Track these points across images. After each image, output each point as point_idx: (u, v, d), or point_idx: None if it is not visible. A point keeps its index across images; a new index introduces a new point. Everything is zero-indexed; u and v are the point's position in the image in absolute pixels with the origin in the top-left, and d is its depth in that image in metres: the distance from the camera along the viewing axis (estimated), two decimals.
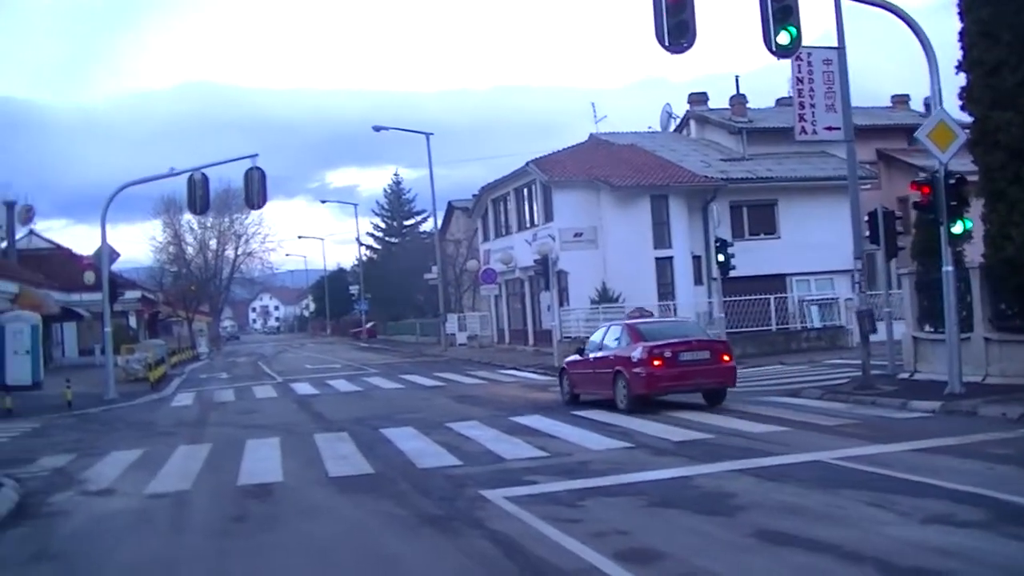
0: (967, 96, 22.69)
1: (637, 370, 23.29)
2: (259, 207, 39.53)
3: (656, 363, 23.05)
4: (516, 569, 9.80)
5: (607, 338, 26.06)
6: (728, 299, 38.75)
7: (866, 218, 26.80)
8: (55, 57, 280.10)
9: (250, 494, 15.02)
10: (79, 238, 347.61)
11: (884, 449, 15.57)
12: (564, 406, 25.58)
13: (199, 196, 36.52)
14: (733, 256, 36.67)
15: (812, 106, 24.94)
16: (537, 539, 10.86)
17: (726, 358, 24.04)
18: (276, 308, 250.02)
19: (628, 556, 9.88)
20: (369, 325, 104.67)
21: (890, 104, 63.45)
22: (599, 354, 25.68)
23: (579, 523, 11.58)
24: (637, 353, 23.56)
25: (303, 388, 37.92)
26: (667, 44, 18.79)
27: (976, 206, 22.57)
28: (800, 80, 24.93)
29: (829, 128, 25.33)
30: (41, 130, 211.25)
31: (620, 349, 24.65)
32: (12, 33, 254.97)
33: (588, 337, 29.95)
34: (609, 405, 23.96)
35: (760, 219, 49.10)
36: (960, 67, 22.85)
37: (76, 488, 16.73)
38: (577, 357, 27.48)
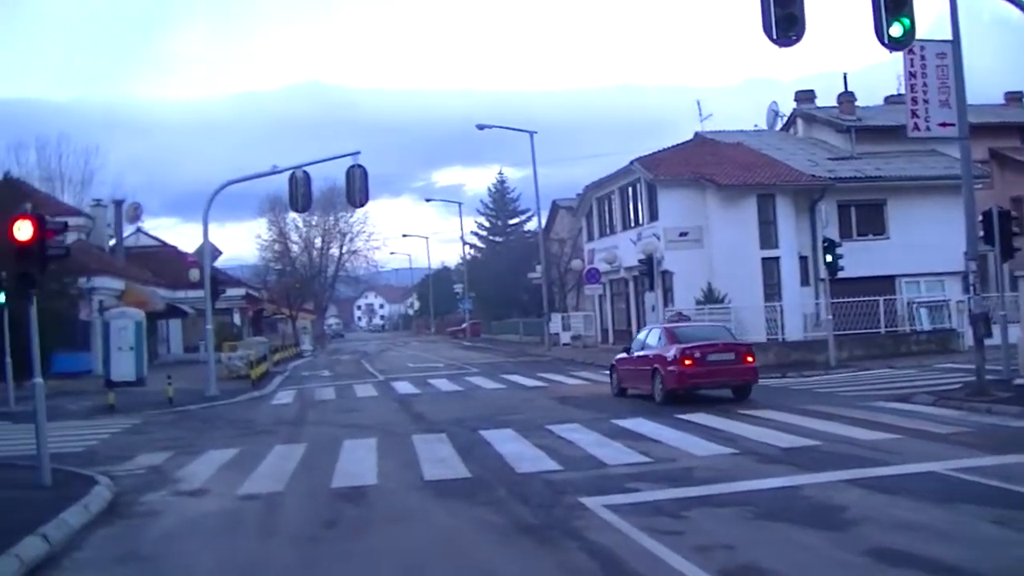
0: None
1: (671, 368, 26.32)
2: (361, 205, 39.58)
3: (687, 362, 26.10)
4: None
5: (649, 339, 29.31)
6: (835, 301, 37.91)
7: (980, 218, 25.98)
8: (168, 57, 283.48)
9: (343, 497, 14.73)
10: (188, 236, 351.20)
11: (1003, 460, 14.84)
12: (660, 406, 25.19)
13: (301, 194, 36.50)
14: (841, 257, 35.92)
15: (925, 102, 24.20)
16: (637, 553, 10.39)
17: (749, 359, 26.96)
18: (381, 306, 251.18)
19: (733, 573, 9.44)
20: (469, 324, 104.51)
21: (1003, 102, 62.11)
22: (641, 353, 28.88)
23: (682, 535, 11.10)
24: (671, 353, 26.57)
25: (404, 387, 37.70)
26: (775, 37, 18.22)
27: None
28: (913, 75, 24.19)
29: (943, 124, 24.56)
30: (153, 130, 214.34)
31: (658, 349, 27.72)
32: (129, 34, 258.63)
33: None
34: (710, 406, 23.73)
35: (868, 219, 48.07)
36: None
37: (169, 487, 16.64)
38: (624, 355, 30.43)
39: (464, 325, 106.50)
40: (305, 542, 11.99)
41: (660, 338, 28.25)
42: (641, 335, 30.76)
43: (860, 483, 13.56)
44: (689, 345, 26.54)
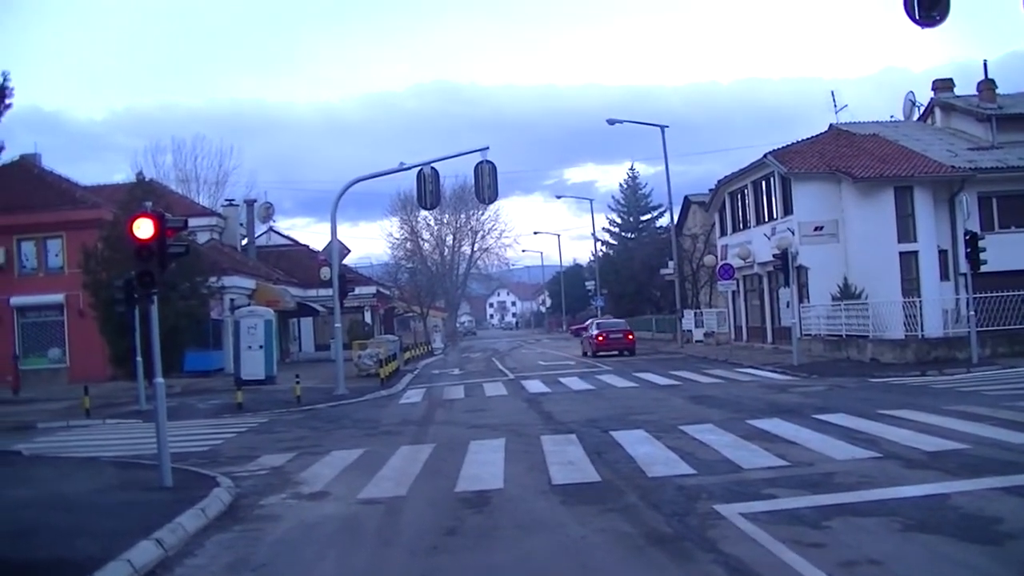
0: None
1: (594, 339, 59.19)
2: (490, 201, 39.41)
3: (600, 338, 58.59)
4: None
5: (591, 327, 63.40)
6: (978, 295, 36.81)
7: None
8: (298, 59, 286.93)
9: (467, 503, 14.28)
10: (319, 235, 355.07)
11: None
12: (807, 411, 24.16)
13: (429, 191, 36.36)
14: (984, 250, 34.88)
15: None
16: (776, 567, 9.80)
17: (630, 337, 59.46)
18: (513, 303, 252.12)
19: None
20: (622, 320, 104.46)
21: None
22: (587, 334, 62.92)
23: (824, 548, 10.45)
24: (594, 333, 59.87)
25: (534, 386, 37.35)
26: (917, 17, 17.39)
27: None
28: None
29: None
30: (285, 131, 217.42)
31: (592, 332, 61.05)
32: (260, 37, 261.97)
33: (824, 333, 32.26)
34: (853, 411, 22.59)
35: (1012, 211, 46.71)
36: None
37: (290, 490, 16.44)
38: (585, 333, 64.99)
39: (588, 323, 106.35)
40: (425, 551, 11.56)
41: (593, 326, 63.47)
42: (591, 326, 65.14)
43: (1016, 491, 12.74)
44: (602, 330, 60.57)
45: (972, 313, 35.85)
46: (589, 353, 59.27)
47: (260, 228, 78.20)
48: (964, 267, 37.09)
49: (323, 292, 57.46)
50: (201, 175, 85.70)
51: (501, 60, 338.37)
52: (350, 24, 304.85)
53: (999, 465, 14.66)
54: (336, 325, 38.92)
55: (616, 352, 57.69)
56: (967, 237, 35.48)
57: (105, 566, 10.74)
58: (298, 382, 33.60)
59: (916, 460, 15.67)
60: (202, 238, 58.59)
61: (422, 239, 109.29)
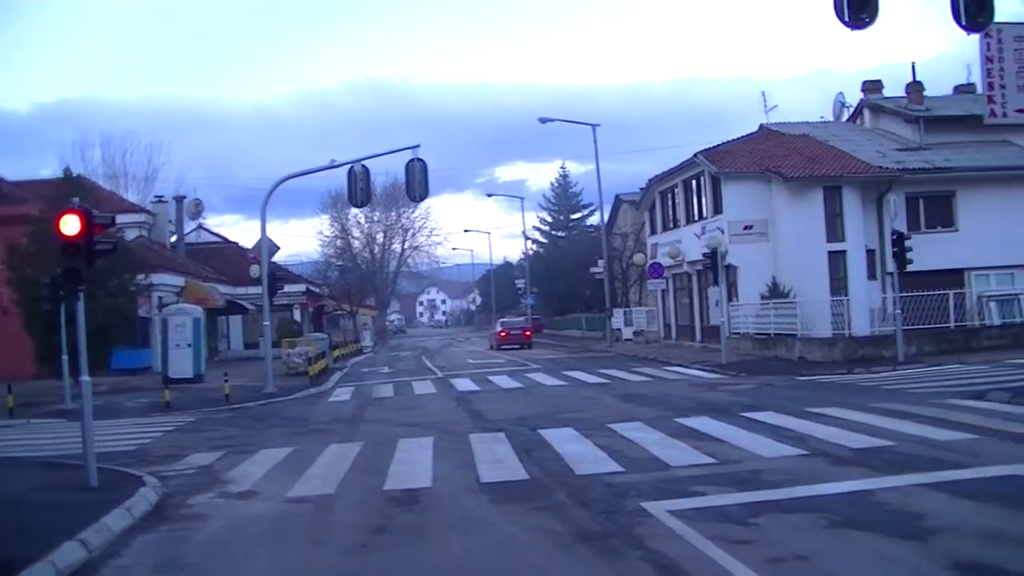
0: None
1: (499, 335, 72.70)
2: (420, 199, 39.40)
3: (503, 334, 72.33)
4: None
5: (497, 325, 77.79)
6: (904, 295, 37.10)
7: None
8: (230, 56, 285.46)
9: (396, 501, 14.22)
10: (250, 233, 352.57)
11: None
12: (735, 409, 24.23)
13: (360, 189, 36.27)
14: (910, 250, 35.17)
15: (1002, 87, 23.59)
16: (704, 564, 9.81)
17: (528, 333, 73.57)
18: (443, 302, 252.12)
19: None
20: (523, 319, 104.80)
21: None
22: (494, 331, 76.82)
23: (752, 545, 10.48)
24: (499, 329, 74.24)
25: (463, 384, 37.28)
26: (847, 19, 17.52)
27: None
28: (990, 59, 23.58)
29: (1021, 110, 23.85)
30: (217, 128, 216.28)
31: (497, 328, 75.65)
32: (194, 35, 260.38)
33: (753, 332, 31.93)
34: (781, 409, 22.82)
35: (937, 211, 47.14)
36: None
37: (218, 489, 16.30)
38: (494, 329, 77.22)
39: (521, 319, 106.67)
40: (354, 550, 11.48)
41: (498, 325, 76.82)
42: (497, 324, 78.31)
43: (939, 487, 12.85)
44: (505, 327, 73.87)
45: (898, 312, 36.12)
46: (494, 347, 72.41)
47: (190, 225, 77.71)
48: (891, 266, 37.40)
49: (253, 290, 56.91)
50: (130, 171, 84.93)
51: (434, 58, 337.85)
52: (284, 21, 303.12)
53: (924, 462, 14.78)
54: (265, 323, 38.80)
55: (517, 346, 70.20)
56: (894, 237, 35.75)
57: (28, 568, 10.58)
58: (227, 380, 33.31)
59: (843, 457, 15.76)
60: (130, 235, 57.99)
61: (352, 237, 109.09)
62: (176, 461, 19.74)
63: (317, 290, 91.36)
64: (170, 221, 71.64)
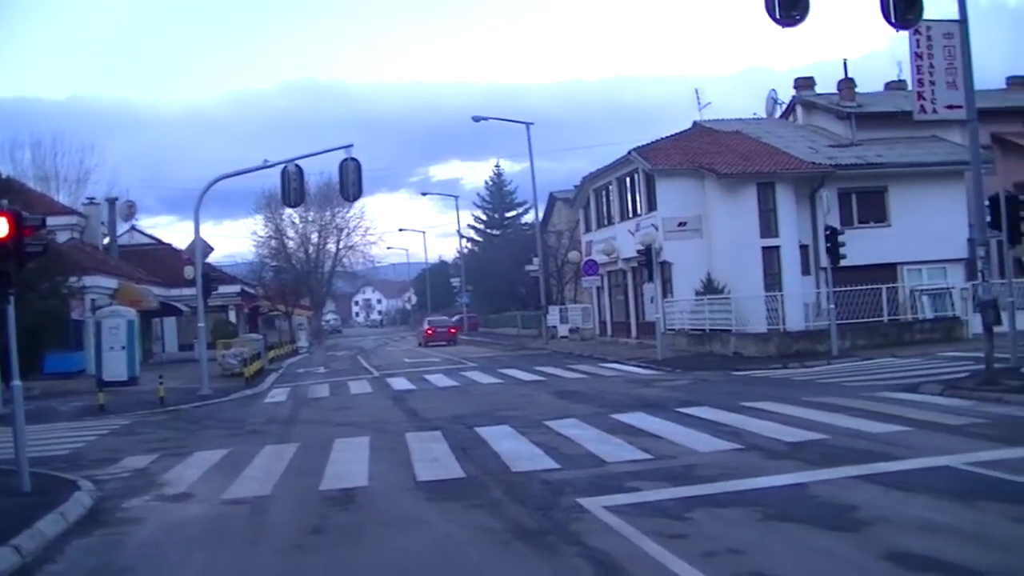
0: None
1: (425, 332, 78.72)
2: (355, 199, 39.18)
3: (429, 331, 77.76)
4: None
5: (424, 324, 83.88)
6: (837, 289, 37.35)
7: (986, 203, 25.40)
8: (164, 56, 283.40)
9: (332, 501, 14.17)
10: (184, 234, 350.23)
11: (1020, 453, 14.25)
12: (671, 405, 24.30)
13: (293, 189, 36.06)
14: (843, 245, 35.42)
15: (932, 83, 23.65)
16: (640, 559, 9.82)
17: (452, 331, 79.60)
18: (379, 301, 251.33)
19: None
20: (456, 318, 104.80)
21: (1005, 86, 61.70)
22: (422, 328, 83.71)
23: (687, 539, 10.52)
24: (425, 327, 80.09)
25: (399, 383, 37.16)
26: (778, 17, 17.64)
27: None
28: (919, 56, 23.63)
29: (950, 107, 24.00)
30: (150, 129, 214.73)
31: (425, 326, 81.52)
32: (127, 36, 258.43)
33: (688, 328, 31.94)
34: (716, 405, 22.94)
35: (870, 206, 47.52)
36: None
37: (154, 492, 16.12)
38: (422, 328, 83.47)
39: (455, 319, 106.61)
40: (290, 551, 11.43)
41: (425, 323, 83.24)
42: (425, 323, 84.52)
43: (872, 479, 12.98)
44: (431, 325, 79.66)
45: (832, 306, 36.38)
46: (422, 343, 78.38)
47: (122, 227, 77.01)
48: (825, 262, 37.67)
49: (187, 291, 56.30)
50: (61, 173, 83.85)
51: (370, 58, 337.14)
52: (217, 22, 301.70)
53: (856, 454, 14.91)
54: (200, 324, 38.54)
55: (444, 343, 75.80)
56: (827, 232, 36.00)
57: None
58: (161, 383, 33.05)
59: (777, 451, 15.87)
60: (62, 237, 57.35)
61: (287, 237, 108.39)
62: (111, 465, 19.53)
63: (252, 291, 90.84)
64: (102, 223, 70.96)
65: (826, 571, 9.08)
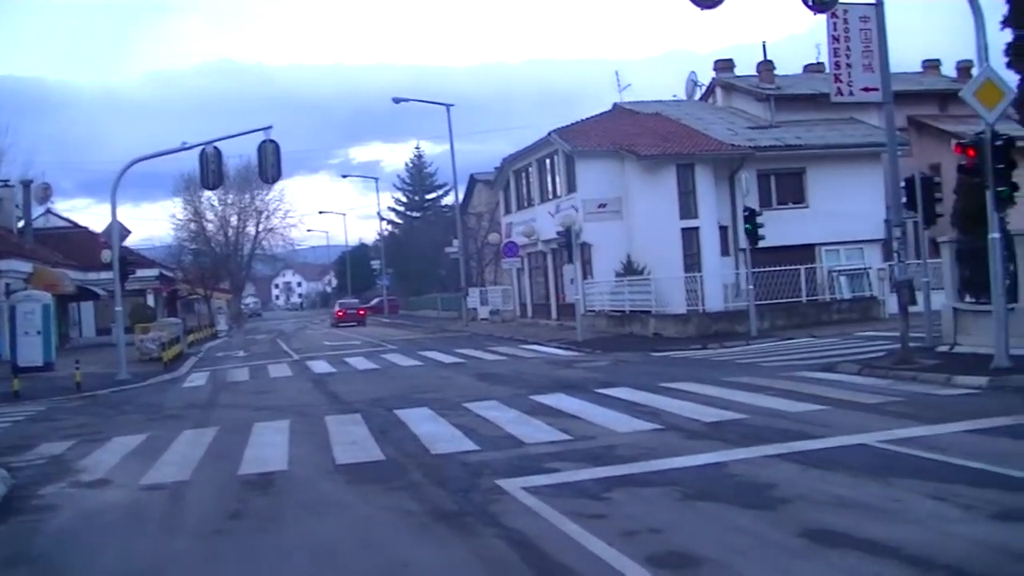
0: (1015, 52, 21.50)
1: (336, 313, 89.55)
2: (273, 181, 38.98)
3: (340, 313, 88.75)
4: None
5: (336, 305, 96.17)
6: (756, 270, 37.60)
7: (902, 184, 25.66)
8: (82, 38, 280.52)
9: (251, 485, 14.05)
10: (102, 217, 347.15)
11: (934, 430, 14.44)
12: (591, 386, 24.35)
13: (211, 171, 35.72)
14: (761, 226, 35.62)
15: (849, 66, 23.81)
16: (559, 540, 9.79)
17: (361, 312, 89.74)
18: (299, 284, 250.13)
19: (662, 561, 8.83)
20: (376, 301, 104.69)
21: (921, 69, 62.37)
22: (334, 310, 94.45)
23: (606, 519, 10.51)
24: (337, 309, 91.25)
25: (319, 366, 37.02)
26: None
27: None
28: (836, 39, 23.78)
29: (866, 89, 24.19)
30: (65, 110, 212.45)
31: (336, 309, 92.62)
32: (42, 16, 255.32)
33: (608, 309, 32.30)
34: (636, 385, 22.98)
35: (788, 188, 47.92)
36: (1007, 22, 21.66)
37: (70, 478, 15.82)
38: (334, 309, 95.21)
39: (374, 302, 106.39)
40: (209, 535, 11.31)
41: (336, 305, 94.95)
42: (336, 305, 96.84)
43: (790, 458, 13.08)
44: (342, 307, 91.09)
45: (751, 287, 36.63)
46: (334, 324, 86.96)
47: (38, 210, 75.99)
48: (743, 243, 37.89)
49: (104, 275, 55.62)
50: None
51: (289, 39, 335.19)
52: (134, 1, 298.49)
53: (774, 433, 15.01)
54: (117, 308, 38.16)
55: (354, 323, 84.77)
56: (746, 213, 36.12)
57: None
58: (78, 368, 32.57)
59: (696, 431, 15.93)
60: None
61: (206, 220, 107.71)
62: (26, 451, 19.19)
63: (171, 274, 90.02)
64: (17, 206, 70.03)
65: (744, 548, 9.07)
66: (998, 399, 17.43)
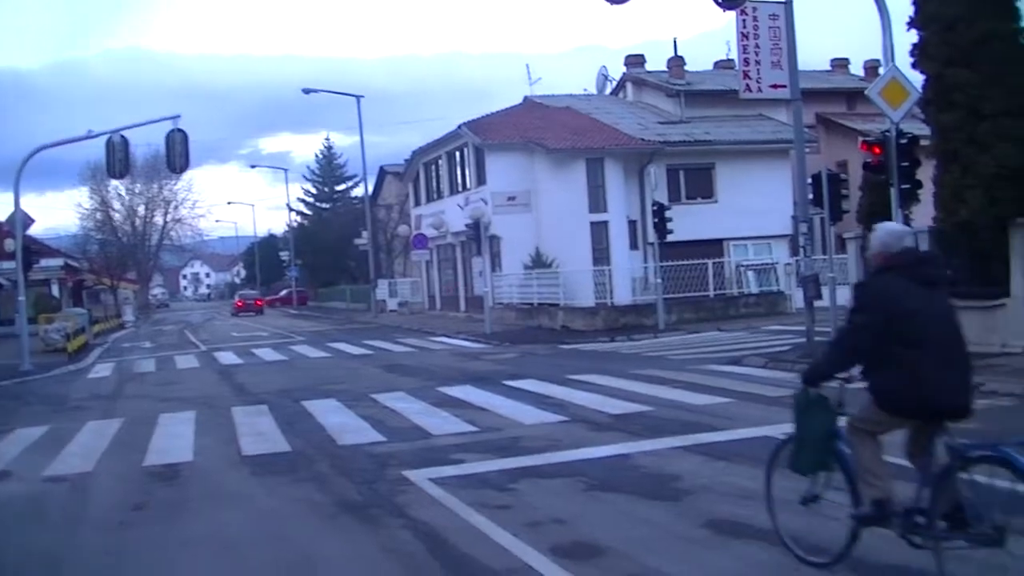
0: (920, 53, 21.72)
1: (236, 304, 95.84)
2: (181, 170, 38.54)
3: (239, 303, 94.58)
4: (439, 569, 8.71)
5: (236, 296, 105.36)
6: (664, 264, 37.80)
7: (809, 181, 25.93)
8: None
9: (156, 477, 13.95)
10: (4, 206, 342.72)
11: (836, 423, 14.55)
12: (498, 378, 24.38)
13: (118, 160, 35.27)
14: (670, 220, 35.77)
15: (757, 63, 24.02)
16: (464, 531, 9.82)
17: (259, 303, 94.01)
18: (207, 275, 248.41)
19: (567, 551, 8.88)
20: (285, 292, 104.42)
21: (829, 68, 63.12)
22: (234, 300, 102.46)
23: (511, 510, 10.57)
24: (236, 300, 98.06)
25: (227, 357, 36.79)
26: None
27: (927, 167, 21.64)
28: (745, 36, 23.98)
29: (775, 86, 24.42)
30: None
31: (236, 299, 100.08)
32: None
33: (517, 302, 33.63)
34: (543, 377, 23.11)
35: (697, 183, 48.32)
36: (912, 23, 21.91)
37: None
38: (233, 300, 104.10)
39: (283, 293, 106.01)
40: (113, 527, 11.18)
41: (236, 296, 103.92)
42: (236, 296, 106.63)
43: (694, 449, 13.19)
44: (240, 298, 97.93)
45: (659, 281, 36.81)
46: (234, 313, 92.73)
47: None
48: (652, 237, 37.97)
49: (6, 264, 54.85)
50: None
51: (198, 29, 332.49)
52: None
53: (679, 425, 15.13)
54: (20, 298, 37.63)
55: (252, 313, 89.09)
56: (655, 208, 36.26)
57: None
58: None
59: (602, 423, 16.02)
60: None
61: (113, 210, 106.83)
62: None
63: (76, 264, 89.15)
64: None
65: (646, 539, 9.13)
66: None
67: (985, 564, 7.00)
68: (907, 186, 20.42)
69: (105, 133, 35.36)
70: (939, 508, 7.25)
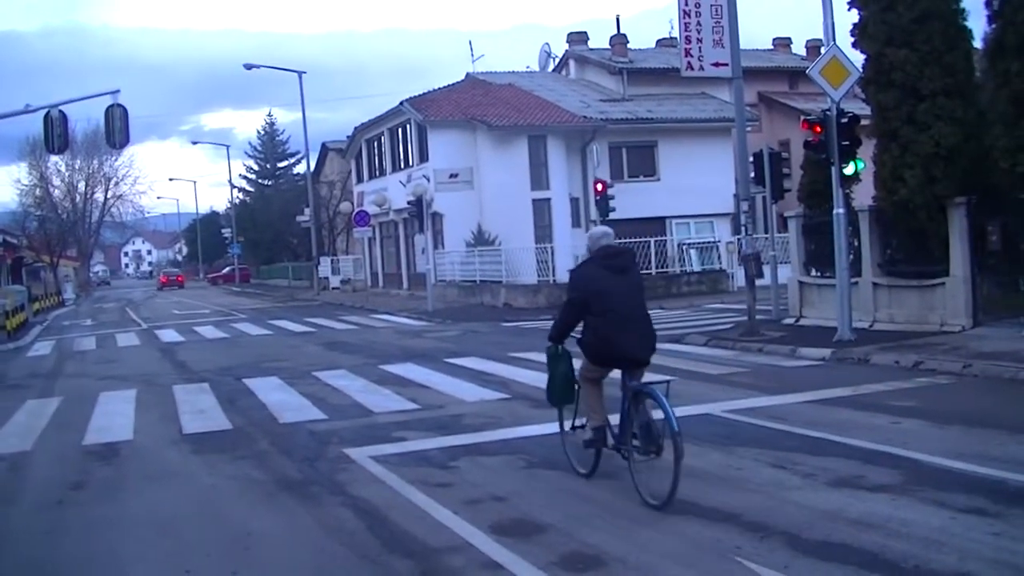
0: (860, 33, 21.80)
1: (161, 281, 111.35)
2: (121, 146, 38.18)
3: (164, 279, 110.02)
4: (379, 547, 8.65)
5: (161, 272, 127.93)
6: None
7: (751, 159, 26.03)
8: None
9: (95, 455, 13.83)
10: None
11: (777, 401, 14.77)
12: (440, 356, 24.37)
13: (57, 135, 34.79)
14: (613, 198, 35.84)
15: (699, 41, 24.12)
16: (404, 508, 9.81)
17: (180, 279, 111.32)
18: (149, 252, 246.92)
19: (506, 529, 8.88)
20: (228, 269, 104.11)
21: (771, 47, 63.37)
22: (159, 276, 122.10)
23: (451, 487, 10.57)
24: (161, 277, 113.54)
25: (168, 335, 36.56)
26: None
27: (868, 147, 21.77)
28: (687, 14, 24.07)
29: (716, 64, 24.54)
30: None
31: (160, 275, 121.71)
32: None
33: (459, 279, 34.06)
34: (485, 355, 23.29)
35: (640, 161, 48.45)
36: (853, 3, 22.01)
37: None
38: (158, 276, 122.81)
39: (225, 271, 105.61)
40: (50, 506, 11.08)
41: (160, 273, 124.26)
42: (160, 273, 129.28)
43: None
44: (164, 274, 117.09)
45: None
46: (158, 288, 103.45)
47: None
48: (594, 214, 37.98)
49: None
50: None
51: (135, 2, 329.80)
52: None
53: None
54: None
55: (176, 287, 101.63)
56: (597, 186, 36.29)
57: None
58: None
59: (543, 400, 15.86)
60: None
61: (52, 186, 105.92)
62: None
63: (15, 241, 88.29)
64: None
65: (588, 516, 9.13)
66: (840, 371, 17.87)
67: (656, 469, 9.47)
68: (847, 165, 20.59)
69: (43, 108, 34.95)
70: (627, 430, 9.99)
